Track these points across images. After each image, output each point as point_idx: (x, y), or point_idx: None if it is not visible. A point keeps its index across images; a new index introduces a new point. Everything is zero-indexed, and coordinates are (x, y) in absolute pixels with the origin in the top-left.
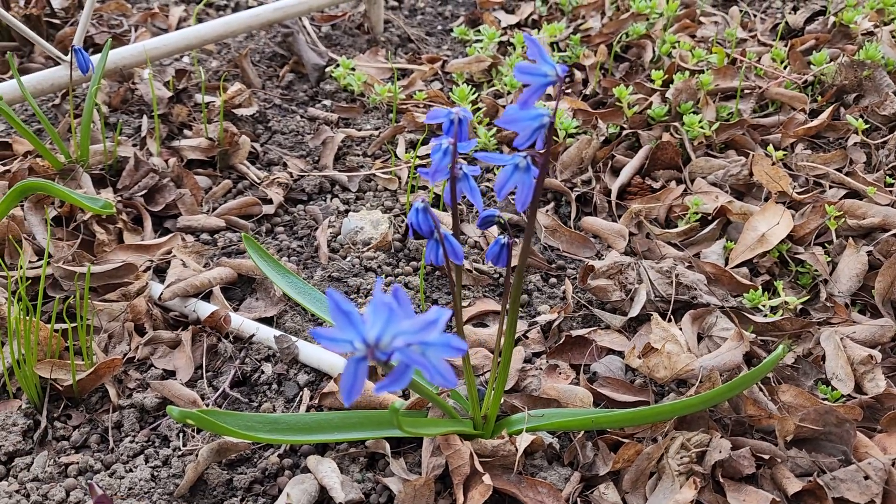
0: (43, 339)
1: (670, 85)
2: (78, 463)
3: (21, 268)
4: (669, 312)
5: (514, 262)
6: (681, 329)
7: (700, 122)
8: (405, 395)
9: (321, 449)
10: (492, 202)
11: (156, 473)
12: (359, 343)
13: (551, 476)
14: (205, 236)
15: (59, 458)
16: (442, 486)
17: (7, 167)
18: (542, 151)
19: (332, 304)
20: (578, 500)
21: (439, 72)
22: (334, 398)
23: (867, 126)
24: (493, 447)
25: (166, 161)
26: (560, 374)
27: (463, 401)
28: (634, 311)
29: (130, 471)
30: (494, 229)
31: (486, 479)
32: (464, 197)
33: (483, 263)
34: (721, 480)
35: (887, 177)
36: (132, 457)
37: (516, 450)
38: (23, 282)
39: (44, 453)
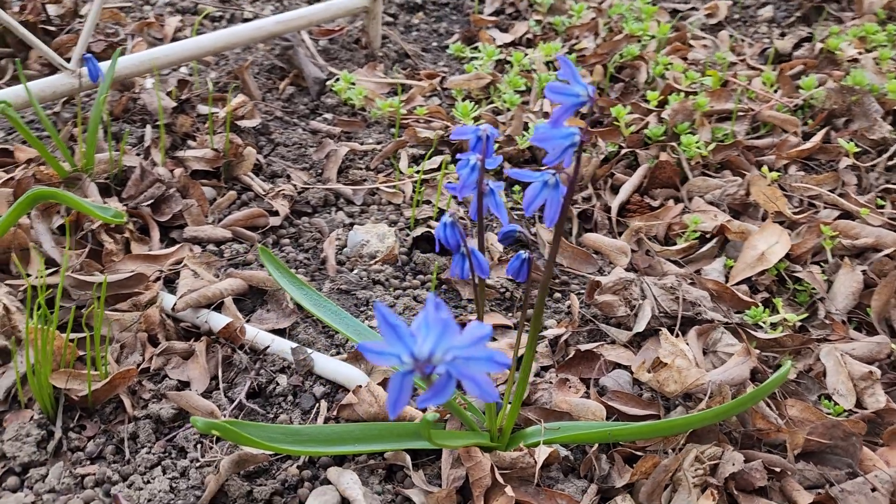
0: (56, 349)
1: (665, 105)
2: (94, 474)
3: (38, 277)
4: (677, 328)
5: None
6: (688, 344)
7: (697, 142)
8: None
9: (339, 461)
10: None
11: (174, 485)
12: (406, 357)
13: (569, 488)
14: (211, 247)
15: (74, 469)
16: (461, 498)
17: (10, 175)
18: (568, 169)
19: (380, 318)
20: None
21: (438, 88)
22: (352, 410)
23: (857, 150)
24: (511, 459)
25: (171, 171)
26: (570, 387)
27: (479, 413)
28: (640, 327)
29: (148, 482)
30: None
31: (509, 490)
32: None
33: (488, 278)
34: (734, 492)
35: (878, 199)
36: (149, 468)
37: (535, 462)
38: (42, 290)
39: (59, 464)
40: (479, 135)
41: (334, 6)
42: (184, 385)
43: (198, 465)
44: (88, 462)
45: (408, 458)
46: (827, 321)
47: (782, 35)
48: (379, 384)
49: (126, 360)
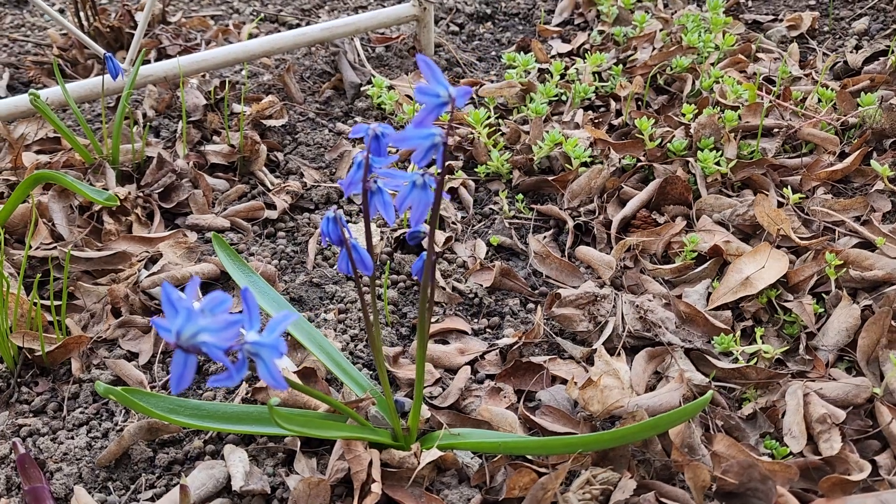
0: (27, 313)
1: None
2: (30, 425)
3: (35, 249)
4: (620, 346)
5: (490, 282)
6: (630, 365)
7: (716, 158)
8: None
9: (247, 440)
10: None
11: (92, 444)
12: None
13: (453, 495)
14: (209, 235)
15: (16, 419)
16: (346, 491)
17: (52, 160)
18: (439, 171)
19: (164, 296)
20: None
21: (474, 95)
22: (265, 393)
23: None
24: (400, 458)
25: (190, 163)
26: (504, 397)
27: (386, 411)
28: (598, 343)
29: (71, 438)
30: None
31: (375, 486)
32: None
33: (463, 283)
34: None
35: None
36: (77, 426)
37: (418, 463)
38: (24, 261)
39: (4, 414)
40: (369, 132)
41: (382, 14)
42: (133, 356)
43: (118, 428)
44: (31, 415)
45: (298, 442)
46: (808, 357)
47: (857, 48)
48: (295, 373)
49: (92, 328)
